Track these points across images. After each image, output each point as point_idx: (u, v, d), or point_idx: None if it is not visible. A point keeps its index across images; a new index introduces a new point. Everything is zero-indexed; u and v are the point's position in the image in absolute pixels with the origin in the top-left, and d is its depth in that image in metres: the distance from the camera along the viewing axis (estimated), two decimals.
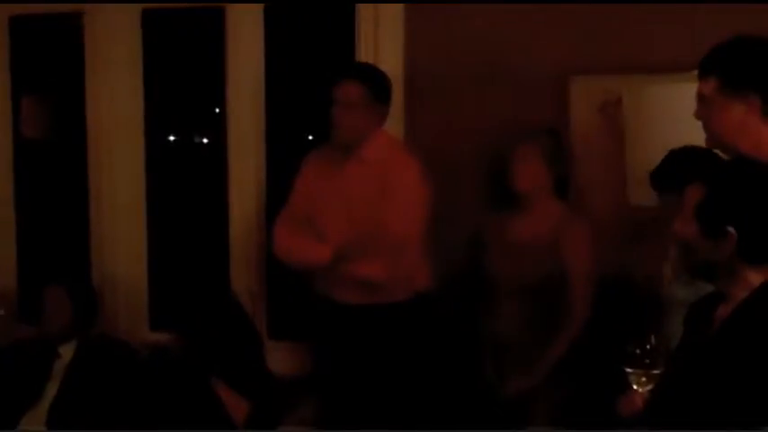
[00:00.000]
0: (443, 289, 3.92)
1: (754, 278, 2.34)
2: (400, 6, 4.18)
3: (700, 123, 2.81)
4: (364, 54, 4.24)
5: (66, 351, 4.20)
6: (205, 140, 5.54)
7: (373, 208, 3.72)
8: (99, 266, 4.76)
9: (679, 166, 3.15)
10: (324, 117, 3.86)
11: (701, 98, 2.76)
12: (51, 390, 4.13)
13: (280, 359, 4.24)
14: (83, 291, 4.34)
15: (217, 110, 4.67)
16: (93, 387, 4.06)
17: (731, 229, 2.29)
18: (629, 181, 3.72)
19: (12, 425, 4.03)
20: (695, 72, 2.85)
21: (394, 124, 4.07)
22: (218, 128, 4.66)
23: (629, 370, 2.34)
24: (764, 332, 2.27)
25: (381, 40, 4.21)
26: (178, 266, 5.01)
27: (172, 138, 5.54)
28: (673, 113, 3.47)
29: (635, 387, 2.34)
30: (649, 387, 2.33)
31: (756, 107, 2.67)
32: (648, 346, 2.31)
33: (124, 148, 4.73)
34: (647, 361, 2.32)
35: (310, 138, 5.03)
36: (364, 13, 4.26)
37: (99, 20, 4.65)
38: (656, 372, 2.32)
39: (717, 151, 2.83)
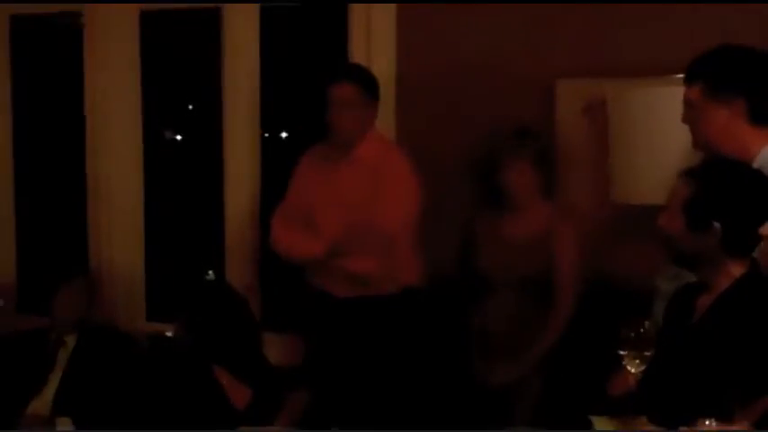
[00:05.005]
0: (433, 284, 3.97)
1: (735, 269, 2.50)
2: (392, 7, 4.23)
3: (681, 125, 2.91)
4: (356, 54, 4.29)
5: (69, 340, 4.26)
6: (198, 137, 5.58)
7: (366, 205, 3.80)
8: (97, 258, 4.80)
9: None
10: (317, 115, 3.93)
11: (687, 103, 2.86)
12: (56, 378, 4.19)
13: (273, 350, 4.25)
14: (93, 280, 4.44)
15: (213, 107, 4.71)
16: (97, 375, 4.12)
17: (716, 224, 2.45)
18: (612, 180, 3.75)
19: (18, 412, 4.08)
20: (677, 75, 2.96)
21: (385, 123, 4.14)
22: (215, 124, 4.71)
23: (622, 352, 2.43)
24: (745, 319, 2.43)
25: (374, 40, 4.25)
26: (174, 258, 5.05)
27: (169, 133, 5.58)
28: (655, 116, 3.50)
29: (629, 368, 2.43)
30: (642, 368, 2.43)
31: (741, 111, 2.77)
32: (642, 330, 2.42)
33: (122, 142, 4.79)
34: (640, 344, 2.41)
35: (304, 135, 5.08)
36: (357, 13, 4.31)
37: (98, 19, 4.72)
38: (648, 353, 2.42)
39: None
